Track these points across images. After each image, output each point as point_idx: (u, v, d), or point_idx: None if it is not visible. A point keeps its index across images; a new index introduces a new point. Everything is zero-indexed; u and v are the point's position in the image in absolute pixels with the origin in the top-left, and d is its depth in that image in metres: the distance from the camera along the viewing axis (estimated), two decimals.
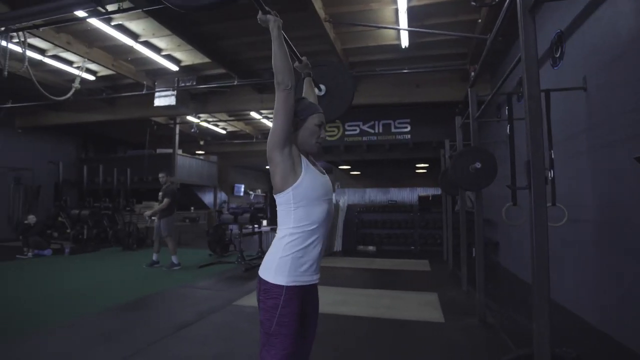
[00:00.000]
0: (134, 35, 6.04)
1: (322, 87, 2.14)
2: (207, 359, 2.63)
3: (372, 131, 8.77)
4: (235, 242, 7.55)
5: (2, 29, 5.02)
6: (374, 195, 12.38)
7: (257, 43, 6.33)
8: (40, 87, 5.74)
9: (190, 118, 11.03)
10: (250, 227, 7.53)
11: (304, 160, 1.40)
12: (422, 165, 11.00)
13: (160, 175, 6.18)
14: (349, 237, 8.93)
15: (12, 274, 5.72)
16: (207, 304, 4.01)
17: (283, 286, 1.31)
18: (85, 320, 3.41)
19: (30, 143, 11.06)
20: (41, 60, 6.80)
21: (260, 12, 1.40)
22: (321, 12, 5.03)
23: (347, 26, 5.63)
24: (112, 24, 5.59)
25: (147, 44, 6.34)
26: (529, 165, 1.70)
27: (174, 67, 7.20)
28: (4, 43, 5.03)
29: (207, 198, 15.06)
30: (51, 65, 7.04)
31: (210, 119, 11.88)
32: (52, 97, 5.96)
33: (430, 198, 8.78)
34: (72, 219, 8.78)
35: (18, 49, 5.22)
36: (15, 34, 5.13)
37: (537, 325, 1.66)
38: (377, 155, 9.31)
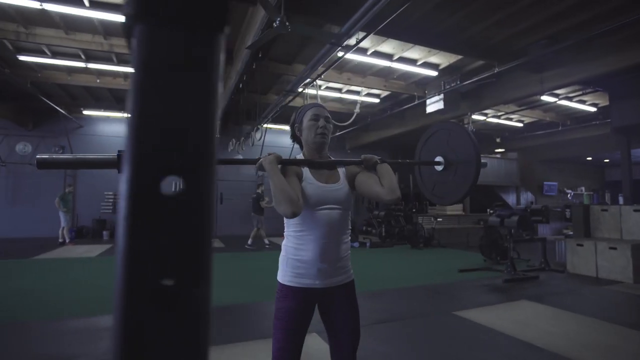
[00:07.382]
0: (389, 56, 6.79)
1: (440, 159, 1.76)
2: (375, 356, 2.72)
3: None
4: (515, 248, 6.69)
5: (307, 81, 7.16)
6: None
7: (504, 19, 5.51)
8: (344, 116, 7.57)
9: (475, 117, 10.64)
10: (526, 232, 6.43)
11: (305, 175, 1.44)
12: None
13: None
14: None
15: None
16: (424, 307, 3.97)
17: (280, 283, 1.45)
18: None
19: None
20: (340, 97, 8.94)
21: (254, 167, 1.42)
22: None
23: None
24: (368, 53, 6.58)
25: (402, 59, 6.94)
26: None
27: (433, 73, 7.42)
28: (304, 90, 7.11)
29: (511, 198, 13.78)
30: (346, 98, 9.07)
31: (499, 113, 10.94)
32: (337, 123, 7.70)
33: None
34: (377, 219, 10.66)
35: (314, 92, 7.22)
36: (313, 83, 7.16)
37: None
38: None
